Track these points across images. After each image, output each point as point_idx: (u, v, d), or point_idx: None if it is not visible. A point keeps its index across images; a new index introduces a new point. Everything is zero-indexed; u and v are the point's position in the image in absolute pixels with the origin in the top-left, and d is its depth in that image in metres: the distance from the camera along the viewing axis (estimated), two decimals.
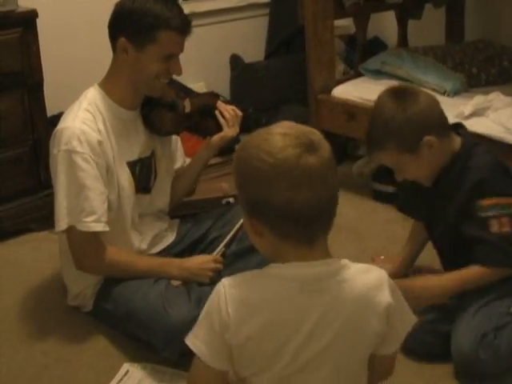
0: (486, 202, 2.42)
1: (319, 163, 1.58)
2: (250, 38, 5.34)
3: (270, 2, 5.40)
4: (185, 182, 3.03)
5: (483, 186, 2.44)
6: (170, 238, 2.97)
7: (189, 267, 2.68)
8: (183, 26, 2.59)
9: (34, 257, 3.39)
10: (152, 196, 2.85)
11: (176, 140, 3.04)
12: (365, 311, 1.66)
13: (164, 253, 2.87)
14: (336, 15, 4.16)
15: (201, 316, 1.71)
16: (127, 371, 2.52)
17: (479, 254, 2.48)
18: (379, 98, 2.54)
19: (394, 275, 2.96)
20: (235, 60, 5.14)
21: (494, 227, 2.41)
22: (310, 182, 1.57)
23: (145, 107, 2.77)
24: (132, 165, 2.70)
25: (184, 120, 2.89)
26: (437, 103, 2.50)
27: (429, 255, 2.92)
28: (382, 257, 3.17)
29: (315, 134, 1.64)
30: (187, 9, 3.61)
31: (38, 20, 3.47)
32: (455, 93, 3.94)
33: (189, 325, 1.79)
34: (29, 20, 3.44)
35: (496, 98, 3.61)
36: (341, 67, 5.04)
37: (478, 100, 3.59)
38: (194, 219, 3.08)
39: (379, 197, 3.89)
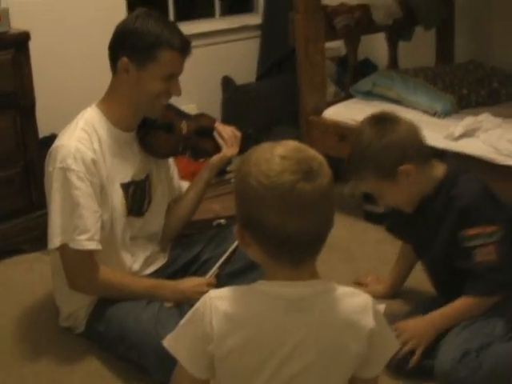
0: (470, 231, 2.45)
1: (315, 192, 1.57)
2: (241, 60, 5.37)
3: (261, 24, 5.44)
4: (186, 206, 2.99)
5: (467, 215, 2.45)
6: (163, 260, 2.97)
7: (182, 290, 2.68)
8: (183, 46, 2.61)
9: (26, 278, 3.37)
10: (145, 220, 2.84)
11: (173, 166, 3.04)
12: (347, 334, 1.66)
13: (156, 274, 2.87)
14: (327, 37, 4.20)
15: (183, 322, 1.71)
16: None
17: (467, 286, 2.51)
18: (360, 124, 2.58)
19: (384, 296, 2.99)
20: (227, 82, 5.17)
21: (480, 257, 2.44)
22: (303, 210, 1.57)
23: (141, 129, 2.77)
24: (125, 186, 2.70)
25: (181, 142, 2.90)
26: (415, 131, 2.51)
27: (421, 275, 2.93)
28: (369, 278, 3.18)
29: (317, 161, 1.61)
30: None
31: (30, 42, 3.48)
32: (445, 114, 3.97)
33: None
34: (21, 42, 3.45)
35: (486, 119, 3.63)
36: (332, 89, 5.06)
37: (468, 121, 3.61)
38: (185, 241, 3.07)
39: (370, 217, 3.91)
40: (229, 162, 3.00)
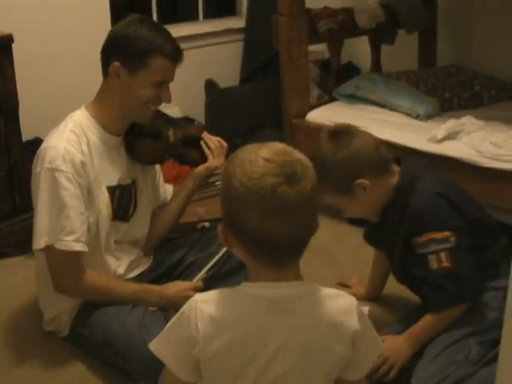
0: (421, 238, 2.41)
1: (297, 196, 1.57)
2: (225, 64, 5.39)
3: (245, 28, 5.45)
4: (171, 213, 2.99)
5: (418, 222, 2.42)
6: (147, 264, 2.96)
7: (168, 295, 2.68)
8: (175, 53, 2.60)
9: (10, 282, 3.36)
10: (130, 225, 2.84)
11: (159, 173, 3.04)
12: (331, 335, 1.67)
13: (140, 277, 2.86)
14: (310, 40, 4.21)
15: (169, 325, 1.72)
16: None
17: (426, 300, 2.50)
18: (320, 138, 2.53)
19: (366, 298, 3.01)
20: (210, 85, 5.17)
21: (434, 264, 2.40)
22: (284, 213, 1.57)
23: (128, 135, 2.77)
24: (112, 190, 2.70)
25: (167, 149, 2.89)
26: (371, 144, 2.47)
27: None
28: (353, 280, 3.20)
29: (301, 165, 1.61)
30: None
31: (13, 45, 3.46)
32: (428, 117, 3.99)
33: None
34: (4, 45, 3.43)
35: (468, 121, 3.65)
36: (315, 92, 5.09)
37: (451, 124, 3.63)
38: (169, 244, 3.07)
39: (354, 221, 3.91)
40: (214, 171, 2.99)
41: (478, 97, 4.29)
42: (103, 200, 2.66)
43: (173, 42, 2.61)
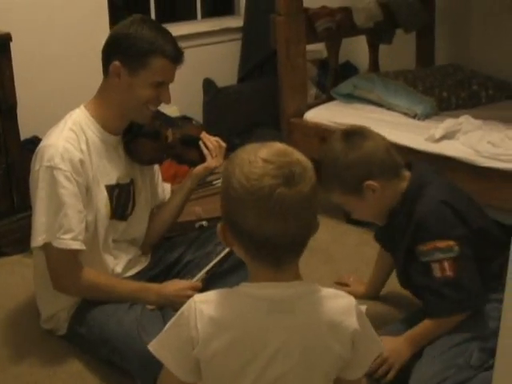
0: (425, 246, 2.42)
1: (294, 198, 1.57)
2: (222, 63, 5.39)
3: (242, 27, 5.45)
4: (169, 213, 3.00)
5: (422, 230, 2.43)
6: (144, 263, 2.97)
7: (166, 294, 2.68)
8: (176, 54, 2.60)
9: (8, 280, 3.36)
10: (128, 224, 2.84)
11: (158, 173, 3.05)
12: (331, 335, 1.67)
13: (139, 276, 2.87)
14: (308, 40, 4.21)
15: (168, 326, 1.72)
16: None
17: (427, 306, 2.51)
18: (331, 137, 2.56)
19: (364, 297, 3.01)
20: (208, 84, 5.17)
21: (437, 272, 2.40)
22: (280, 215, 1.57)
23: (126, 135, 2.77)
24: (110, 189, 2.70)
25: (165, 150, 2.90)
26: (383, 147, 2.48)
27: None
28: (351, 278, 3.20)
29: (300, 166, 1.61)
30: None
31: (11, 44, 3.46)
32: (426, 116, 3.99)
33: None
34: (2, 43, 3.43)
35: (466, 121, 3.65)
36: (313, 91, 5.09)
37: (449, 123, 3.63)
38: (167, 243, 3.08)
39: (352, 220, 3.91)
40: (212, 171, 2.99)
41: (476, 96, 4.29)
42: (102, 199, 2.67)
43: (174, 43, 2.62)
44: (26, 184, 2.64)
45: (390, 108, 4.14)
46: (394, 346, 2.49)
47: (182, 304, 1.74)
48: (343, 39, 4.61)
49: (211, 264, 2.82)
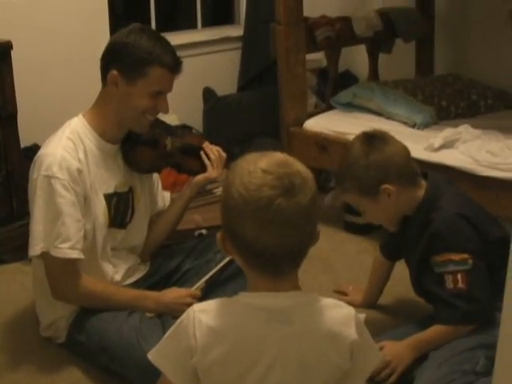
0: (440, 257, 2.45)
1: (293, 209, 1.57)
2: (222, 72, 5.40)
3: (242, 36, 5.46)
4: (168, 221, 3.00)
5: (435, 241, 2.46)
6: (144, 271, 2.96)
7: (165, 301, 2.69)
8: (174, 64, 2.60)
9: (7, 288, 3.36)
10: (127, 232, 2.84)
11: (157, 182, 3.05)
12: (329, 345, 1.67)
13: (137, 284, 2.87)
14: (308, 49, 4.21)
15: (167, 335, 1.73)
16: None
17: (437, 313, 2.52)
18: (354, 138, 2.61)
19: (362, 306, 3.01)
20: (208, 93, 5.18)
21: (449, 284, 2.43)
22: (279, 226, 1.57)
23: (125, 143, 2.77)
24: (108, 197, 2.70)
25: (164, 158, 2.89)
26: (403, 153, 2.53)
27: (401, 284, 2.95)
28: (351, 287, 3.20)
29: (300, 177, 1.60)
30: None
31: (12, 51, 3.47)
32: (425, 125, 4.00)
33: None
34: (3, 51, 3.44)
35: (465, 130, 3.66)
36: (312, 100, 5.10)
37: (448, 132, 3.64)
38: (167, 251, 3.08)
39: (350, 228, 3.93)
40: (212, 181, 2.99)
41: (475, 106, 4.30)
42: (100, 207, 2.67)
43: (172, 52, 2.62)
44: (25, 191, 2.64)
45: (389, 117, 4.15)
46: (396, 350, 2.50)
47: (181, 312, 1.74)
48: (343, 48, 4.62)
49: (211, 273, 2.82)
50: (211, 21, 5.75)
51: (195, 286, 2.78)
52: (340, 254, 3.71)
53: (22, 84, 3.67)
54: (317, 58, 5.23)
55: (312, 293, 1.71)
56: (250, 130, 5.07)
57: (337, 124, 4.08)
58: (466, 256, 2.42)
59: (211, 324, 1.65)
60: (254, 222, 1.57)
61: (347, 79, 5.23)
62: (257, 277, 1.67)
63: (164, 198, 3.08)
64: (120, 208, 2.77)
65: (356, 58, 5.26)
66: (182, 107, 4.67)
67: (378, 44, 4.79)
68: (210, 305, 1.71)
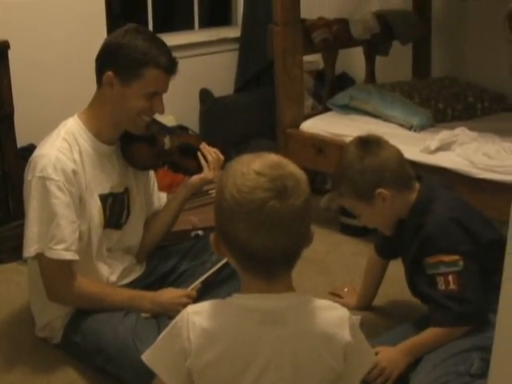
0: (431, 259, 2.46)
1: (286, 211, 1.57)
2: (219, 73, 5.40)
3: (239, 37, 5.46)
4: (163, 221, 3.00)
5: (429, 244, 2.47)
6: (139, 271, 2.96)
7: (161, 302, 2.68)
8: (170, 65, 2.60)
9: (3, 288, 3.35)
10: (123, 233, 2.84)
11: (153, 181, 3.05)
12: (323, 347, 1.67)
13: (133, 284, 2.86)
14: (305, 51, 4.22)
15: (161, 337, 1.73)
16: None
17: (431, 315, 2.53)
18: (349, 142, 2.62)
19: (357, 308, 3.02)
20: (205, 94, 5.18)
21: (441, 285, 2.44)
22: (271, 228, 1.56)
23: (123, 139, 2.76)
24: (104, 198, 2.70)
25: (162, 156, 2.89)
26: (398, 158, 2.54)
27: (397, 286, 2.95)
28: (346, 289, 3.20)
29: (293, 179, 1.60)
30: None
31: (9, 52, 3.47)
32: (422, 128, 4.00)
33: None
34: (0, 51, 3.44)
35: (462, 132, 3.67)
36: (309, 102, 5.10)
37: (444, 135, 3.64)
38: (163, 252, 3.08)
39: (346, 230, 3.93)
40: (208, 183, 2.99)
41: (472, 108, 4.31)
42: (95, 208, 2.67)
43: (168, 53, 2.61)
44: (22, 192, 2.63)
45: (386, 119, 4.15)
46: (391, 356, 2.50)
47: (176, 312, 1.74)
48: (340, 50, 4.63)
49: (207, 274, 2.82)
50: (208, 22, 5.75)
51: (191, 287, 2.78)
52: (336, 256, 3.71)
53: (19, 84, 3.67)
54: (314, 59, 5.24)
55: (306, 294, 1.71)
56: (246, 131, 5.07)
57: (333, 126, 4.09)
58: (456, 257, 2.42)
59: (205, 326, 1.65)
60: (247, 225, 1.57)
61: (344, 81, 5.24)
62: (250, 278, 1.67)
63: (160, 198, 3.08)
64: (115, 209, 2.76)
65: (353, 60, 5.27)
66: (178, 108, 4.68)
67: (375, 46, 4.80)
68: (204, 306, 1.71)
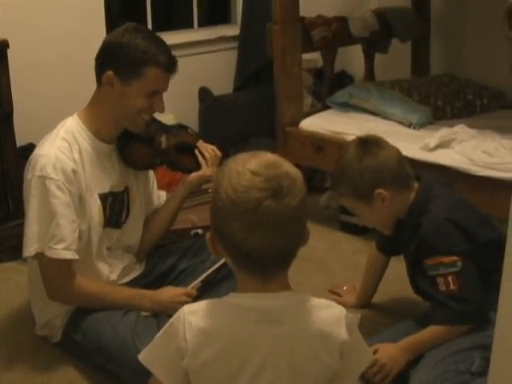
0: (431, 261, 2.47)
1: (281, 211, 1.56)
2: (219, 71, 5.40)
3: (239, 36, 5.46)
4: (163, 220, 3.00)
5: (427, 245, 2.48)
6: (139, 270, 2.96)
7: (161, 300, 2.68)
8: (170, 64, 2.60)
9: (2, 287, 3.35)
10: (123, 231, 2.84)
11: (153, 180, 3.05)
12: (319, 345, 1.67)
13: (133, 283, 2.87)
14: (304, 49, 4.22)
15: (158, 336, 1.73)
16: None
17: (432, 313, 2.53)
18: (349, 143, 2.63)
19: (355, 306, 3.02)
20: (204, 93, 5.18)
21: (442, 286, 2.45)
22: (266, 228, 1.56)
23: (121, 139, 2.76)
24: (103, 197, 2.70)
25: (159, 155, 2.89)
26: (397, 158, 2.55)
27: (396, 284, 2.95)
28: (345, 287, 3.20)
29: (289, 178, 1.59)
30: None
31: (8, 51, 3.47)
32: (421, 125, 4.00)
33: None
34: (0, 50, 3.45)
35: (461, 130, 3.67)
36: (308, 100, 5.10)
37: (444, 132, 3.64)
38: (162, 250, 3.08)
39: (346, 228, 3.92)
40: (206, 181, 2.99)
41: (471, 106, 4.30)
42: (95, 207, 2.67)
43: (167, 52, 2.61)
44: (21, 191, 2.63)
45: (385, 117, 4.15)
46: (391, 353, 2.50)
47: (176, 310, 1.74)
48: (339, 48, 4.63)
49: (207, 272, 2.82)
50: (207, 20, 5.75)
51: (191, 286, 2.78)
52: (336, 254, 3.71)
53: (18, 83, 3.67)
54: (313, 57, 5.23)
55: (302, 293, 1.71)
56: (246, 129, 5.07)
57: (333, 124, 4.08)
58: (455, 258, 2.43)
59: (201, 325, 1.65)
60: (242, 224, 1.56)
61: (343, 79, 5.24)
62: (245, 277, 1.67)
63: (159, 196, 3.08)
64: (115, 208, 2.76)
65: (352, 58, 5.26)
66: (178, 107, 4.68)
67: (374, 44, 4.79)
68: (200, 306, 1.71)
